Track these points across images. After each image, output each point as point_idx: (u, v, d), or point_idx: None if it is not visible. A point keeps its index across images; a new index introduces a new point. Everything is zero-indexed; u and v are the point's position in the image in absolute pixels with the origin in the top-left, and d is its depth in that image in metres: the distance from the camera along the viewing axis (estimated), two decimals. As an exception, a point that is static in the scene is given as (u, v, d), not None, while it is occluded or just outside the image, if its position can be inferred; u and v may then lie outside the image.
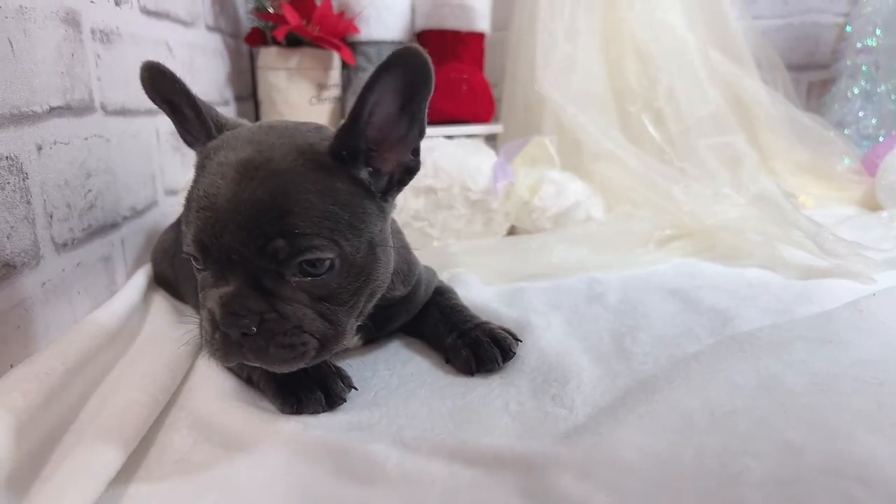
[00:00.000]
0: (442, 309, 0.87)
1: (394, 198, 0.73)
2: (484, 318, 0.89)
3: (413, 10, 1.75)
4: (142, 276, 1.04)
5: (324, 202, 0.62)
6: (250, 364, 0.65)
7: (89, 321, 0.85)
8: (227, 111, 1.71)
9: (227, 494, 0.58)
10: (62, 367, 0.73)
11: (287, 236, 0.60)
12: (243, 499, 0.58)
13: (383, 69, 0.61)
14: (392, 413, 0.70)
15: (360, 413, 0.70)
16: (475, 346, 0.78)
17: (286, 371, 0.67)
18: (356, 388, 0.75)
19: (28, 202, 0.79)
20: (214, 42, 1.57)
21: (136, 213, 1.10)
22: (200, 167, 0.67)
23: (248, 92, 1.80)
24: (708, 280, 1.09)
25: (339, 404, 0.71)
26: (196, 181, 0.66)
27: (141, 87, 0.69)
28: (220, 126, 0.71)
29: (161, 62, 0.68)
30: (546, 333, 0.86)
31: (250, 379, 0.78)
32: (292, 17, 1.56)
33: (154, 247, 1.11)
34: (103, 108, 0.99)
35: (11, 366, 0.75)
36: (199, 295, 0.66)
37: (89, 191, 0.94)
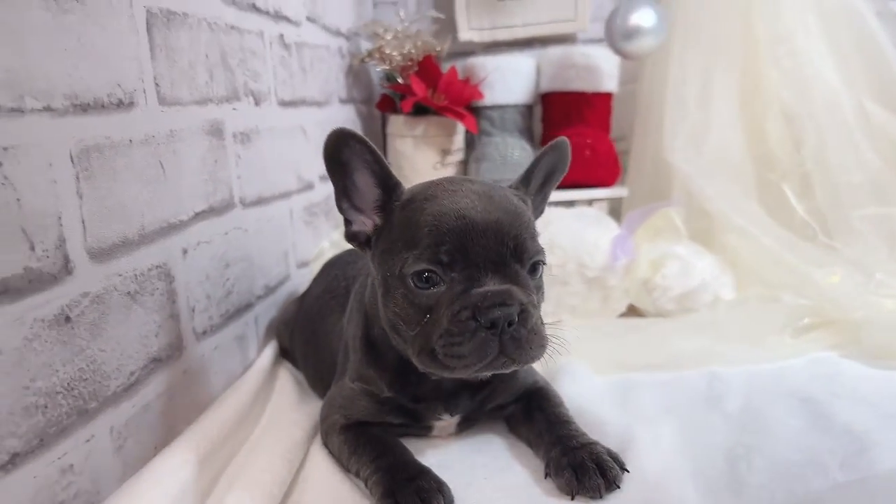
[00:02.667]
0: (548, 416, 0.87)
1: None
2: (589, 425, 0.88)
3: (539, 73, 1.76)
4: (268, 353, 1.13)
5: (533, 224, 0.79)
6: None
7: (220, 404, 0.94)
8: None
9: None
10: (194, 458, 0.81)
11: (529, 239, 0.75)
12: None
13: (548, 150, 0.85)
14: (483, 532, 0.71)
15: (452, 528, 0.72)
16: (579, 470, 0.76)
17: (508, 370, 0.73)
18: None
19: (173, 302, 0.89)
20: (346, 113, 1.68)
21: (269, 291, 1.20)
22: (412, 210, 0.76)
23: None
24: (847, 386, 0.99)
25: None
26: (424, 212, 0.74)
27: (324, 152, 0.77)
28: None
29: (346, 130, 0.75)
30: (653, 451, 0.82)
31: (358, 474, 0.82)
32: (419, 89, 1.62)
33: (277, 318, 1.20)
34: (241, 202, 1.09)
35: (156, 447, 0.84)
36: (439, 311, 0.72)
37: (227, 279, 1.04)
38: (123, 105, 0.78)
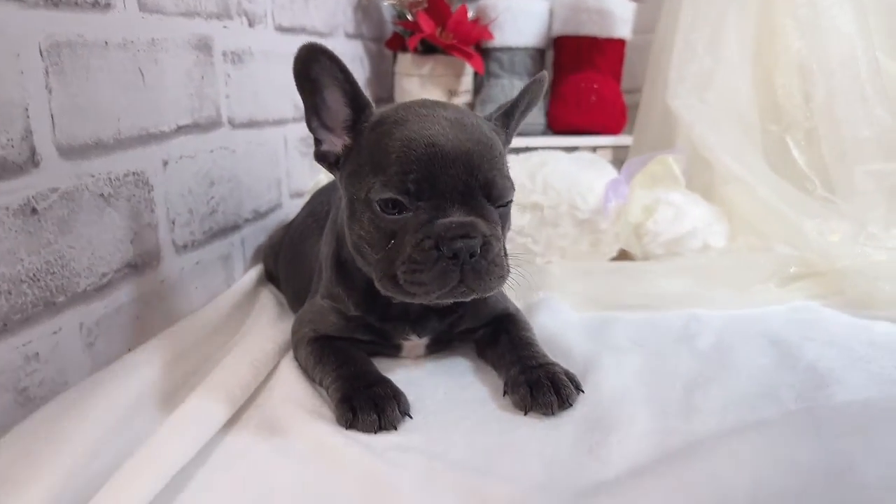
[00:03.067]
0: (512, 339, 0.88)
1: None
2: (555, 351, 0.89)
3: (552, 16, 1.72)
4: (252, 274, 1.15)
5: (505, 159, 0.79)
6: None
7: (197, 315, 0.96)
8: (366, 114, 1.81)
9: (265, 496, 0.64)
10: (162, 360, 0.84)
11: (499, 176, 0.75)
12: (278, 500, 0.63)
13: (531, 84, 0.84)
14: (433, 440, 0.72)
15: (405, 435, 0.73)
16: (534, 387, 0.77)
17: (467, 298, 0.75)
18: (410, 417, 0.77)
19: (151, 211, 0.91)
20: (354, 48, 1.67)
21: (259, 216, 1.22)
22: (381, 133, 0.75)
23: (389, 94, 1.89)
24: (824, 332, 0.97)
25: (390, 431, 0.74)
26: (392, 137, 0.73)
27: (294, 67, 0.75)
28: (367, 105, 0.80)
29: (317, 45, 0.74)
30: (612, 375, 0.83)
31: (321, 382, 0.84)
32: (427, 25, 1.60)
33: (265, 243, 1.22)
34: (230, 122, 1.10)
35: (129, 349, 0.87)
36: (403, 237, 0.72)
37: (212, 198, 1.06)
38: (99, 5, 0.79)
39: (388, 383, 0.79)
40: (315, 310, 0.91)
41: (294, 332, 0.93)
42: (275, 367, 0.92)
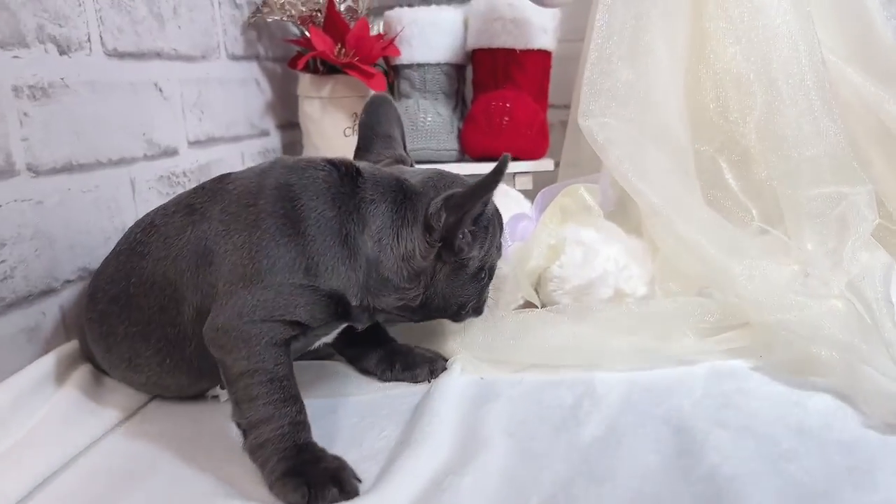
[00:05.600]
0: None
1: None
2: (417, 431, 0.76)
3: (466, 27, 1.54)
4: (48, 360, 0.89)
5: None
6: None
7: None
8: (270, 142, 1.63)
9: None
10: None
11: None
12: None
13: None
14: None
15: None
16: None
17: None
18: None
19: None
20: (244, 71, 1.49)
21: (89, 274, 1.03)
22: None
23: (296, 118, 1.71)
24: (744, 411, 0.78)
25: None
26: None
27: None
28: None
29: None
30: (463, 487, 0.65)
31: (247, 425, 0.71)
32: (319, 42, 1.43)
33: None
34: (31, 169, 0.92)
35: None
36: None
37: (2, 261, 0.87)
38: None
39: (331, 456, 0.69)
40: (270, 294, 0.72)
41: (231, 328, 0.72)
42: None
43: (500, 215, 0.90)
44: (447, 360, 0.94)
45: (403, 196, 0.79)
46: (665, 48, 1.23)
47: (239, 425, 0.71)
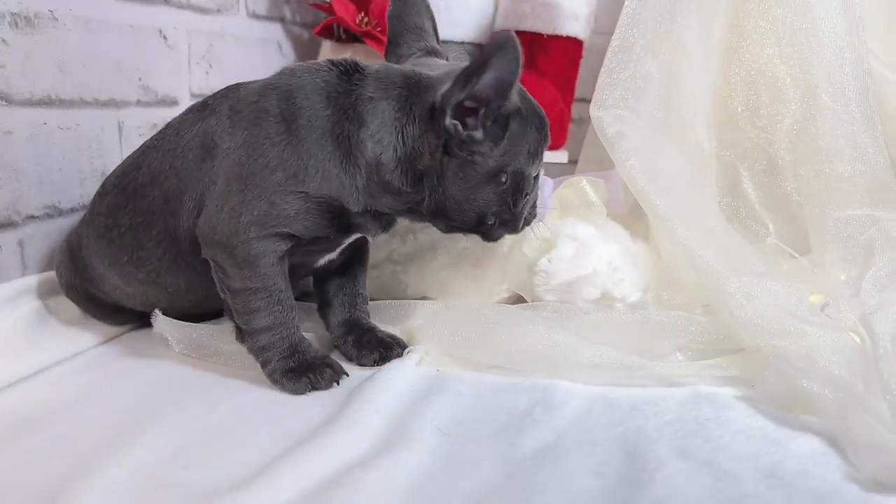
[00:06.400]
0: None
1: None
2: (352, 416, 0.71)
3: (496, 7, 1.47)
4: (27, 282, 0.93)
5: None
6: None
7: None
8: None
9: None
10: None
11: None
12: None
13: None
14: None
15: None
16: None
17: None
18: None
19: None
20: (264, 31, 1.46)
21: (58, 213, 1.00)
22: None
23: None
24: (714, 443, 0.69)
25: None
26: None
27: None
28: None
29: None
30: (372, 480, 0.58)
31: (251, 330, 0.79)
32: (341, 8, 1.37)
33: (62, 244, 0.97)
34: (4, 98, 0.89)
35: None
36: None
37: (-40, 187, 0.85)
38: None
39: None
40: (263, 205, 0.73)
41: (231, 246, 0.74)
42: None
43: (539, 116, 0.79)
44: (405, 349, 0.87)
45: (409, 92, 0.74)
46: (697, 42, 1.13)
47: (238, 327, 0.81)
